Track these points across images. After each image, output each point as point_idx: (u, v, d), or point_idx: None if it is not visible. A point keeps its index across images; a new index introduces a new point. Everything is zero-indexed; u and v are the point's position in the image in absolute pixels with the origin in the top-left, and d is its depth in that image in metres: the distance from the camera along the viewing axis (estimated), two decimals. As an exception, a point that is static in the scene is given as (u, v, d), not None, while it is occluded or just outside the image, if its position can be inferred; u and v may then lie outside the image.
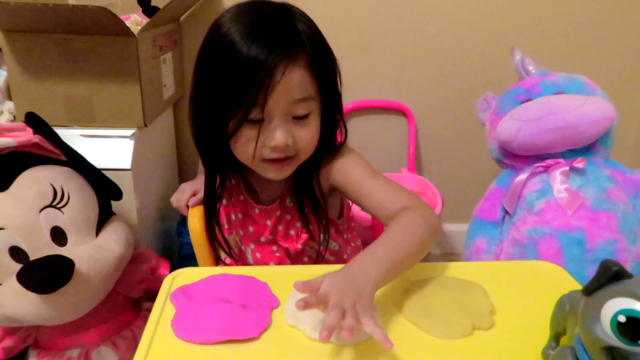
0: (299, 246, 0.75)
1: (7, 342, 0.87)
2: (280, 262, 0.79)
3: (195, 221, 0.80)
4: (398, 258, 0.56)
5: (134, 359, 0.48)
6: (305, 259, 0.79)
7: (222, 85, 0.62)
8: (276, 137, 0.63)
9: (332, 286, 0.50)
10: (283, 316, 0.54)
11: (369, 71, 1.37)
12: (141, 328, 0.96)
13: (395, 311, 0.56)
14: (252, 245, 0.80)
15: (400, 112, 1.39)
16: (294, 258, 0.79)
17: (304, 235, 0.75)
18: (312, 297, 0.49)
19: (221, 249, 0.80)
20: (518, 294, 0.59)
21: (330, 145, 0.72)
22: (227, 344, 0.50)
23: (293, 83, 0.61)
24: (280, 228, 0.77)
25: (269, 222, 0.76)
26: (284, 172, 0.69)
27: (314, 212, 0.74)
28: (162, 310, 0.55)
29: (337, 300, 0.49)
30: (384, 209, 0.67)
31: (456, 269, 0.64)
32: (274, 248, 0.79)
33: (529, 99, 0.96)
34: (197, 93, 0.67)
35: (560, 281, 0.62)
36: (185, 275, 0.62)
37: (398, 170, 1.38)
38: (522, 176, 0.92)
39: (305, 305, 0.47)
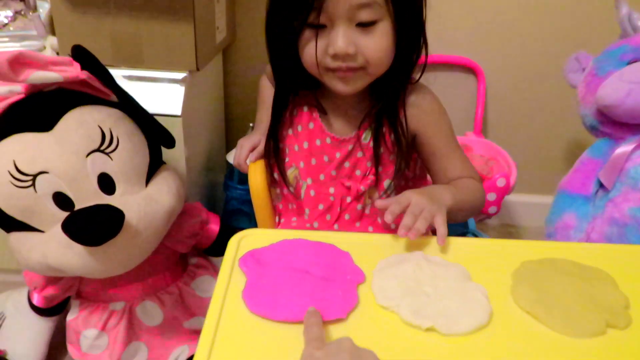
0: (362, 188, 0.73)
1: (49, 291, 0.84)
2: (330, 208, 0.75)
3: (257, 178, 0.73)
4: (462, 200, 0.65)
5: (202, 332, 0.41)
6: (359, 207, 0.75)
7: None
8: (337, 43, 0.60)
9: (412, 194, 0.59)
10: (371, 294, 0.46)
11: (435, 23, 1.21)
12: (188, 284, 0.92)
13: (504, 295, 0.47)
14: (309, 181, 0.75)
15: (470, 69, 1.27)
16: (347, 206, 0.75)
17: (372, 177, 0.72)
18: (396, 205, 0.56)
19: (275, 194, 0.79)
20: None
21: (409, 66, 0.69)
22: (309, 324, 0.42)
23: None
24: (347, 165, 0.73)
25: (337, 155, 0.73)
26: (350, 84, 0.66)
27: (392, 151, 0.72)
28: (230, 278, 0.47)
29: (417, 201, 0.57)
30: (452, 175, 0.71)
31: (571, 250, 0.54)
32: (332, 190, 0.75)
33: (638, 59, 0.83)
34: (269, 3, 0.66)
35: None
36: (253, 238, 0.54)
37: (462, 133, 1.27)
38: (627, 147, 0.80)
39: (390, 214, 0.55)
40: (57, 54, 1.02)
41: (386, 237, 0.55)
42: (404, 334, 0.42)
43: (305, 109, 0.74)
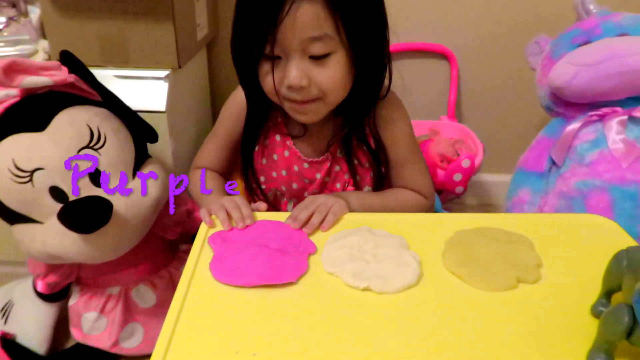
0: None
1: (51, 278, 0.91)
2: None
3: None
4: (378, 204, 0.69)
5: (173, 299, 0.48)
6: None
7: (242, 21, 0.63)
8: (290, 75, 0.61)
9: (316, 196, 0.63)
10: (320, 262, 0.53)
11: (407, 11, 1.28)
12: (178, 269, 0.99)
13: (436, 260, 0.54)
14: (294, 200, 0.79)
15: (442, 55, 1.32)
16: None
17: (351, 187, 0.75)
18: (304, 211, 0.59)
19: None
20: (567, 248, 0.56)
21: (374, 89, 0.69)
22: (265, 288, 0.49)
23: (303, 19, 0.58)
24: (327, 180, 0.76)
25: (318, 175, 0.76)
26: (309, 115, 0.67)
27: (366, 161, 0.74)
28: (200, 253, 0.55)
29: (311, 200, 0.61)
30: (398, 184, 0.76)
31: (501, 220, 0.61)
32: None
33: (588, 42, 0.89)
34: (233, 27, 0.66)
35: (613, 236, 0.59)
36: (222, 220, 0.61)
37: (437, 118, 1.33)
38: (575, 125, 0.86)
39: (292, 219, 0.58)
40: (49, 55, 1.09)
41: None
42: (344, 293, 0.49)
43: (278, 137, 0.76)
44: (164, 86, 1.02)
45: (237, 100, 0.77)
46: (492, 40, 1.30)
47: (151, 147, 0.96)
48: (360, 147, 0.74)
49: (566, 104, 0.90)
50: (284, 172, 0.77)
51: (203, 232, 0.58)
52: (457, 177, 1.03)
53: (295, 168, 0.76)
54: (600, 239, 0.58)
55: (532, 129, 1.08)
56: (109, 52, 1.03)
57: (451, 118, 1.31)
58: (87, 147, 0.79)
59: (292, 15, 0.57)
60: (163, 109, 1.00)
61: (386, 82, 0.70)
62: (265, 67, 0.63)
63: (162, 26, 1.00)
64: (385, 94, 0.71)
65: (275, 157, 0.77)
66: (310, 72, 0.62)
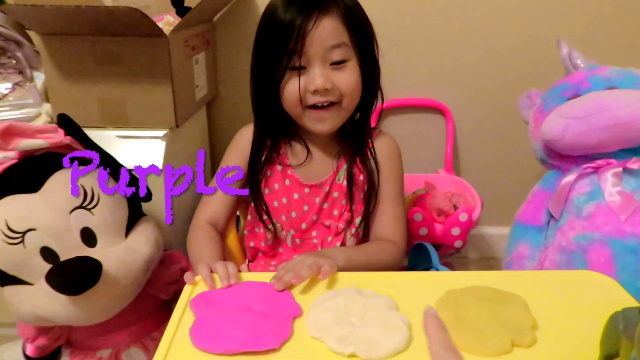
0: (341, 225, 0.80)
1: (41, 341, 0.88)
2: (313, 249, 0.81)
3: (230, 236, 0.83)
4: (361, 261, 0.72)
5: (150, 368, 0.46)
6: (338, 244, 0.80)
7: (267, 41, 0.73)
8: (316, 80, 0.71)
9: (301, 255, 0.63)
10: (306, 327, 0.51)
11: (404, 68, 1.32)
12: (171, 330, 0.97)
13: (427, 323, 0.52)
14: (292, 232, 0.82)
15: (438, 110, 1.34)
16: (328, 245, 0.80)
17: (347, 214, 0.80)
18: (290, 273, 0.58)
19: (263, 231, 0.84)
20: (563, 308, 0.54)
21: (373, 102, 0.80)
22: (247, 355, 0.47)
23: (326, 31, 0.70)
24: (325, 206, 0.81)
25: (317, 200, 0.80)
26: (327, 122, 0.75)
27: (362, 190, 0.80)
28: (182, 318, 0.53)
29: (298, 261, 0.61)
30: (378, 231, 0.81)
31: (495, 278, 0.59)
32: (314, 234, 0.81)
33: (577, 95, 0.89)
34: (253, 57, 0.76)
35: (612, 295, 0.57)
36: (207, 281, 0.60)
37: (435, 171, 1.33)
38: (570, 177, 0.85)
39: (277, 280, 0.57)
40: (52, 118, 1.12)
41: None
42: (330, 360, 0.47)
43: (279, 168, 0.81)
44: (161, 145, 1.04)
45: (242, 139, 0.84)
46: (485, 94, 1.32)
47: (149, 206, 0.96)
48: (360, 173, 0.80)
49: (560, 156, 0.90)
50: (284, 200, 0.81)
51: (186, 294, 0.57)
52: (455, 231, 1.02)
53: (295, 195, 0.80)
54: (599, 297, 0.56)
55: (530, 180, 1.08)
56: (109, 113, 1.06)
57: (449, 171, 1.31)
58: (80, 207, 0.80)
59: (317, 29, 0.69)
60: (160, 167, 1.01)
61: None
62: (290, 78, 0.72)
63: (161, 88, 1.03)
64: (380, 112, 0.82)
65: (276, 186, 0.81)
66: (331, 77, 0.72)
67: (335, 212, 0.81)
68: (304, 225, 0.81)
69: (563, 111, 0.87)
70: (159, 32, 0.96)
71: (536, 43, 1.26)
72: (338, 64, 0.72)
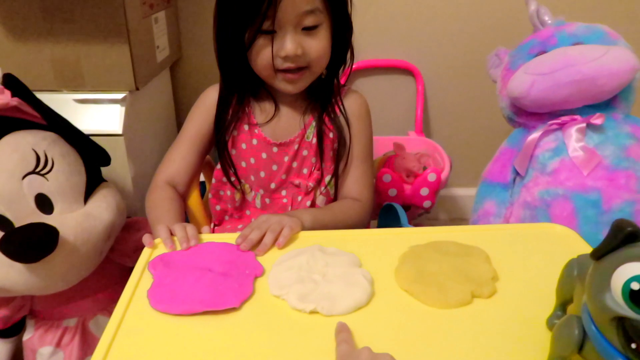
0: (311, 184, 0.78)
1: (2, 312, 0.86)
2: (283, 209, 0.79)
3: (193, 197, 0.81)
4: (329, 219, 0.71)
5: (105, 330, 0.45)
6: (308, 203, 0.79)
7: (236, 2, 0.68)
8: (287, 47, 0.68)
9: (268, 215, 0.63)
10: (267, 285, 0.50)
11: (374, 29, 1.29)
12: (138, 297, 0.96)
13: (389, 278, 0.51)
14: (261, 191, 0.80)
15: (408, 71, 1.32)
16: (298, 205, 0.79)
17: (317, 172, 0.78)
18: (255, 232, 0.58)
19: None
20: (524, 260, 0.55)
21: (342, 64, 0.78)
22: (206, 315, 0.46)
23: None
24: (294, 165, 0.79)
25: (286, 158, 0.78)
26: (297, 84, 0.73)
27: (332, 147, 0.78)
28: (140, 280, 0.52)
29: (264, 219, 0.61)
30: (345, 190, 0.80)
31: (459, 233, 0.59)
32: (283, 193, 0.80)
33: (544, 52, 0.89)
34: (217, 15, 0.72)
35: (572, 245, 0.57)
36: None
37: (405, 133, 1.32)
38: (535, 134, 0.85)
39: (242, 239, 0.57)
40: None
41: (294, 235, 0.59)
42: (291, 318, 0.46)
43: (246, 127, 0.78)
44: (120, 109, 0.99)
45: (207, 99, 0.80)
46: (455, 55, 1.31)
47: (110, 172, 0.93)
48: (330, 130, 0.78)
49: (526, 114, 0.90)
50: (252, 160, 0.79)
51: (145, 257, 0.55)
52: (424, 191, 1.02)
53: (264, 155, 0.78)
54: (559, 248, 0.57)
55: (498, 141, 1.08)
56: (63, 75, 1.00)
57: (419, 133, 1.30)
58: (33, 172, 0.76)
59: None
60: (120, 131, 0.98)
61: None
62: (261, 42, 0.69)
63: (118, 48, 0.98)
64: (349, 72, 0.79)
65: (243, 146, 0.79)
66: (302, 42, 0.69)
67: (305, 170, 0.79)
68: (272, 185, 0.80)
69: (529, 68, 0.86)
70: (112, -13, 0.91)
71: (504, 2, 1.24)
72: (309, 29, 0.69)
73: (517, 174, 0.88)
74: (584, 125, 0.82)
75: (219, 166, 0.81)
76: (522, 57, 0.92)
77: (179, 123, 1.37)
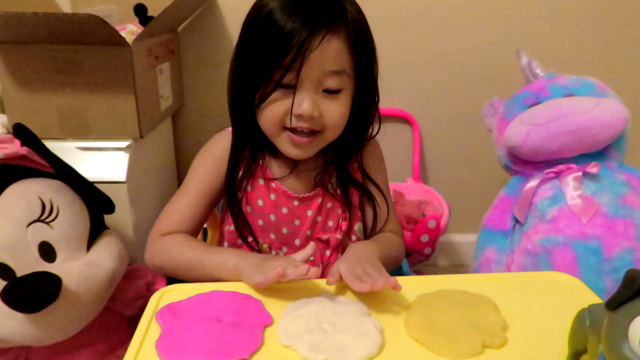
0: (339, 236, 0.74)
1: (-3, 363, 0.84)
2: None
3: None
4: (387, 254, 0.68)
5: (113, 384, 0.44)
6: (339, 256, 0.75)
7: (259, 50, 0.63)
8: (303, 105, 0.62)
9: (346, 264, 0.58)
10: (277, 336, 0.50)
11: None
12: (136, 347, 0.93)
13: (398, 327, 0.51)
14: (284, 249, 0.74)
15: (405, 120, 1.36)
16: (328, 260, 0.75)
17: (345, 223, 0.74)
18: (332, 279, 0.57)
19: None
20: (532, 309, 0.55)
21: (363, 133, 0.73)
22: (216, 367, 0.46)
23: (329, 52, 0.61)
24: (319, 219, 0.74)
25: (309, 212, 0.73)
26: (307, 150, 0.68)
27: (357, 198, 0.76)
28: (147, 330, 0.51)
29: (350, 268, 0.57)
30: (381, 225, 0.76)
31: (465, 282, 0.59)
32: None
33: (538, 103, 0.92)
34: (237, 58, 0.67)
35: (578, 294, 0.58)
36: (174, 293, 0.58)
37: (403, 180, 1.34)
38: (533, 182, 0.87)
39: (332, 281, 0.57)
40: (8, 130, 1.07)
41: (299, 283, 0.59)
42: (302, 368, 0.46)
43: (261, 181, 0.73)
44: (124, 156, 1.01)
45: (218, 148, 0.74)
46: (450, 104, 1.35)
47: (112, 219, 0.93)
48: (353, 180, 0.75)
49: (523, 162, 0.92)
50: (272, 217, 0.73)
51: (152, 306, 0.55)
52: (424, 238, 1.03)
53: (284, 210, 0.73)
54: (565, 297, 0.57)
55: (495, 188, 1.10)
56: (69, 124, 1.02)
57: (416, 180, 1.32)
58: (38, 220, 0.76)
59: (320, 49, 0.60)
60: (123, 179, 0.99)
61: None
62: (275, 95, 0.64)
63: (123, 97, 1.00)
64: (376, 133, 0.75)
65: (260, 202, 0.73)
66: (320, 104, 0.64)
67: (331, 222, 0.74)
68: (297, 242, 0.74)
69: (525, 118, 0.89)
70: (120, 41, 0.94)
71: (497, 54, 1.30)
72: (331, 92, 0.64)
73: (517, 221, 0.90)
74: (580, 173, 0.84)
75: (231, 227, 0.74)
76: (517, 107, 0.95)
77: (179, 171, 1.39)
